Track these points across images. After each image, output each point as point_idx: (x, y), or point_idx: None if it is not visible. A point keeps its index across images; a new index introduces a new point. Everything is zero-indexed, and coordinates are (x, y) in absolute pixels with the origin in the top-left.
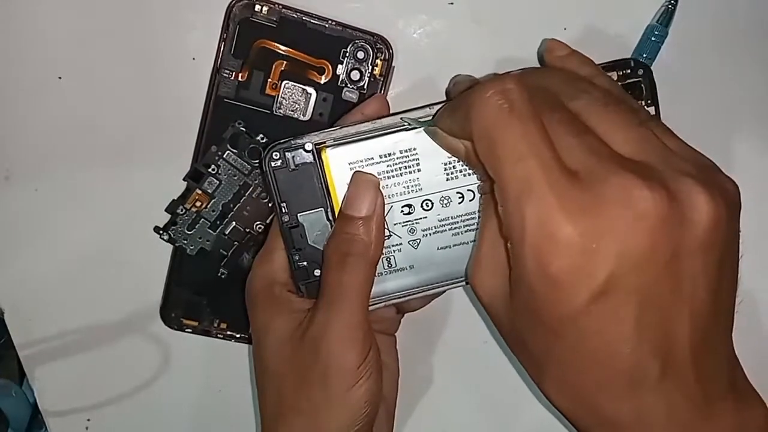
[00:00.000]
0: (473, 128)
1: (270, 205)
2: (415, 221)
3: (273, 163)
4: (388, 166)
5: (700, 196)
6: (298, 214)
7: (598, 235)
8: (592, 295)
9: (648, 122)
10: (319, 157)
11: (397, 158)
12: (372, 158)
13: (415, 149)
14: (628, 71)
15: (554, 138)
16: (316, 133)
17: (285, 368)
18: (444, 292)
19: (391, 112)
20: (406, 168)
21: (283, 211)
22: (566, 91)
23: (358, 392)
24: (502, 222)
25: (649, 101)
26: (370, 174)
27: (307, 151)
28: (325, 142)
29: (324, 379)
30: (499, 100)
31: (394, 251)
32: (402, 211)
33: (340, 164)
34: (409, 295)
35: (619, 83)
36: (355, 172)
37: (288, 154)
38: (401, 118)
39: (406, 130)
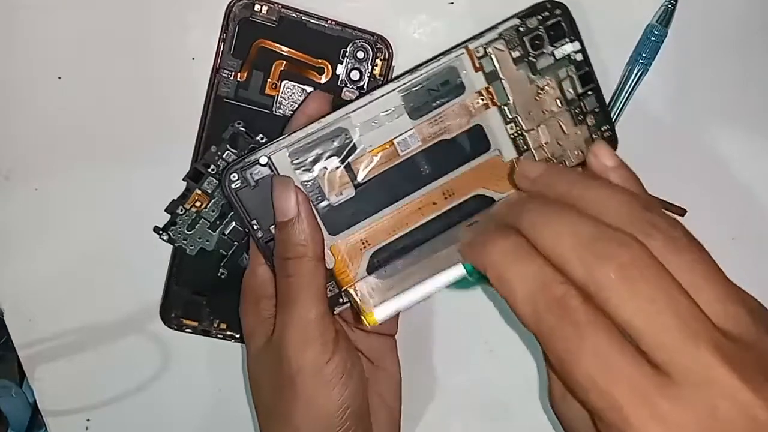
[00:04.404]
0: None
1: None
2: None
3: (233, 185)
4: None
5: None
6: (271, 227)
7: None
8: None
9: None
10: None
11: None
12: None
13: None
14: (547, 14)
15: (642, 315)
16: (267, 145)
17: (263, 375)
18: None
19: (333, 105)
20: None
21: (256, 228)
22: (639, 225)
23: (328, 395)
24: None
25: (572, 38)
26: (285, 176)
27: (263, 165)
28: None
29: (291, 382)
30: (566, 331)
31: None
32: None
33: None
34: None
35: (541, 27)
36: (272, 178)
37: (246, 173)
38: None
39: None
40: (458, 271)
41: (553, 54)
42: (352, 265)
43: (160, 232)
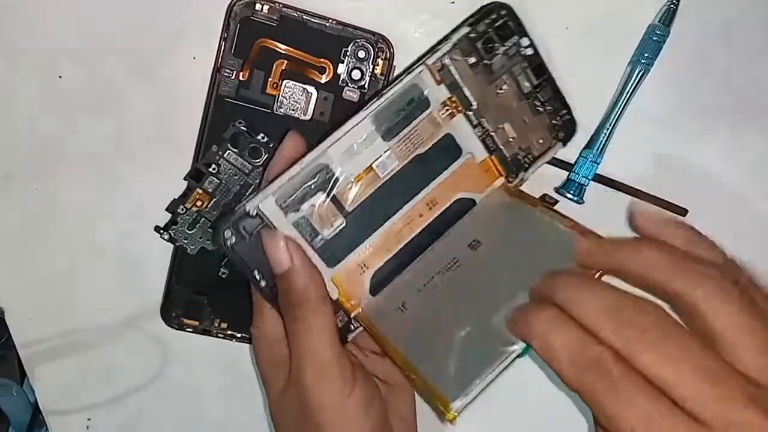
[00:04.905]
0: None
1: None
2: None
3: (229, 242)
4: None
5: None
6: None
7: None
8: None
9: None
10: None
11: None
12: None
13: None
14: (494, 17)
15: (678, 373)
16: (253, 195)
17: (286, 416)
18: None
19: (310, 143)
20: None
21: (258, 278)
22: (683, 277)
23: (354, 429)
24: None
25: (520, 34)
26: (272, 230)
27: (253, 217)
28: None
29: (315, 421)
30: (594, 377)
31: None
32: None
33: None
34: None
35: (490, 29)
36: (261, 231)
37: (238, 226)
38: None
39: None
40: (518, 351)
41: (505, 53)
42: (355, 291)
43: (161, 231)
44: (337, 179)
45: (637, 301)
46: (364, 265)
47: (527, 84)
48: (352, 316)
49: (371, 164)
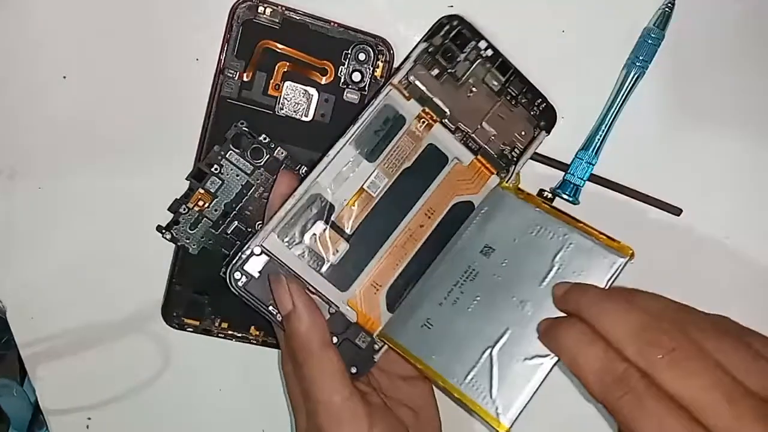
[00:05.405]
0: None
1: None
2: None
3: (239, 283)
4: None
5: None
6: None
7: None
8: None
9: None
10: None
11: None
12: None
13: None
14: (448, 28)
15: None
16: (255, 236)
17: None
18: None
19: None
20: None
21: (275, 313)
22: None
23: None
24: None
25: (477, 39)
26: (275, 273)
27: (258, 255)
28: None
29: None
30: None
31: None
32: None
33: None
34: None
35: (446, 41)
36: (268, 274)
37: (246, 267)
38: None
39: None
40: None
41: (467, 59)
42: (372, 310)
43: (163, 231)
44: (332, 206)
45: (658, 322)
46: (377, 283)
47: (495, 82)
48: (374, 335)
49: (362, 186)
